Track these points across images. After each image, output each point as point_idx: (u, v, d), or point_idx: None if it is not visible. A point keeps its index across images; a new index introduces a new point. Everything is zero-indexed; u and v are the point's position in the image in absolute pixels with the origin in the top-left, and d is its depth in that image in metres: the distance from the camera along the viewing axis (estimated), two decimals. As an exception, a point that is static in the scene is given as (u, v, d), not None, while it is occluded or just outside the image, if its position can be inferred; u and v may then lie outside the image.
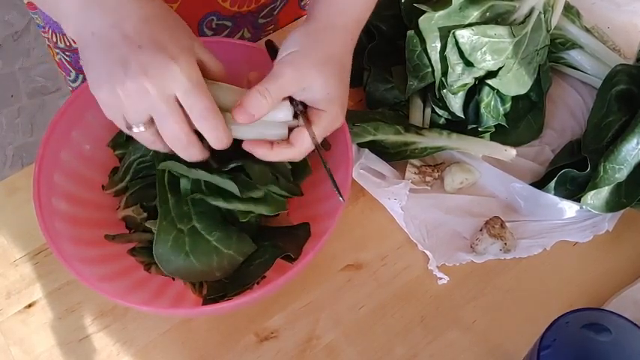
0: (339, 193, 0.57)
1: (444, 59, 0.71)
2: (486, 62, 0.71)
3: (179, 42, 0.47)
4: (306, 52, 0.54)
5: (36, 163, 0.59)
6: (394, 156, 0.73)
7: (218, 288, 0.60)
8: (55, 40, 0.84)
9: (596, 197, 0.68)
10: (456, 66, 0.71)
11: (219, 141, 0.51)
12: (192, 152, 0.51)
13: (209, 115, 0.49)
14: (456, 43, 0.69)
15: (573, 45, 0.81)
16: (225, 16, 0.83)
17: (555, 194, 0.70)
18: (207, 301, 0.60)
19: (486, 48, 0.70)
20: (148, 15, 0.47)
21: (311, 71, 0.54)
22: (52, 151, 0.60)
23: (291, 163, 0.64)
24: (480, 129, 0.75)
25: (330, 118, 0.56)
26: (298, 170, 0.65)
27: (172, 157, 0.54)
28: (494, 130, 0.76)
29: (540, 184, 0.72)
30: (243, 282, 0.60)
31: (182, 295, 0.62)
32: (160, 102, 0.47)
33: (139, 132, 0.49)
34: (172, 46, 0.46)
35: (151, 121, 0.49)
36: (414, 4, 0.72)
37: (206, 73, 0.51)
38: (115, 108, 0.48)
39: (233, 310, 0.65)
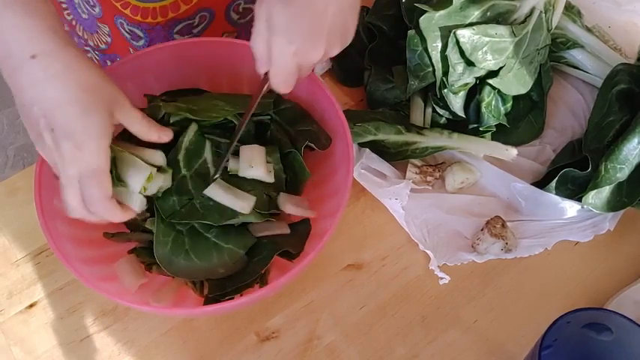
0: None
1: (444, 59, 0.71)
2: (487, 62, 0.71)
3: (89, 128, 0.51)
4: None
5: (37, 163, 0.59)
6: (395, 156, 0.73)
7: (218, 287, 0.60)
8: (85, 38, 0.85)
9: (597, 197, 0.68)
10: (457, 65, 0.71)
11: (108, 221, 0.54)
12: (87, 218, 0.54)
13: (97, 203, 0.52)
14: (457, 42, 0.69)
15: (574, 44, 0.81)
16: (252, 0, 0.83)
17: (556, 194, 0.70)
18: (209, 300, 0.60)
19: (487, 47, 0.70)
20: (61, 98, 0.50)
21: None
22: None
23: (290, 168, 0.64)
24: (480, 129, 0.75)
25: (273, 50, 0.55)
26: (297, 175, 0.65)
27: None
28: (495, 129, 0.76)
29: (541, 183, 0.72)
30: (242, 279, 0.60)
31: (183, 295, 0.62)
32: (63, 175, 0.52)
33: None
34: (80, 133, 0.50)
35: None
36: (415, 4, 0.72)
37: (130, 133, 0.56)
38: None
39: (234, 309, 0.65)
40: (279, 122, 0.66)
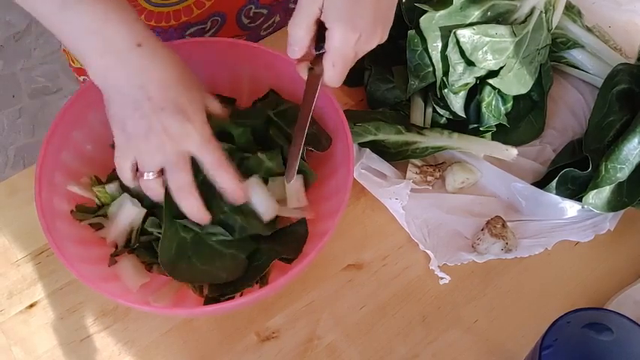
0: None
1: (445, 59, 0.71)
2: (487, 62, 0.71)
3: (194, 103, 0.54)
4: None
5: (37, 163, 0.59)
6: (395, 156, 0.73)
7: (218, 287, 0.60)
8: None
9: (598, 197, 0.68)
10: (457, 65, 0.71)
11: (232, 191, 0.57)
12: (191, 204, 0.56)
13: (221, 166, 0.55)
14: (457, 42, 0.69)
15: (574, 44, 0.81)
16: (263, 5, 0.84)
17: (557, 194, 0.70)
18: (209, 300, 0.60)
19: (487, 47, 0.70)
20: (169, 79, 0.53)
21: None
22: (53, 151, 0.60)
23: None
24: (481, 128, 0.75)
25: (336, 38, 0.53)
26: (304, 178, 0.65)
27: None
28: (495, 129, 0.76)
29: (541, 183, 0.72)
30: (241, 282, 0.60)
31: (183, 295, 0.62)
32: (174, 155, 0.54)
33: (147, 179, 0.56)
34: (189, 107, 0.53)
35: (161, 172, 0.55)
36: (415, 4, 0.72)
37: (212, 116, 0.58)
38: (130, 155, 0.55)
39: (234, 309, 0.65)
40: (279, 125, 0.66)
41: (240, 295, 0.60)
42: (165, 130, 0.52)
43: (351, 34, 0.53)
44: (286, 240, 0.63)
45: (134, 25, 0.52)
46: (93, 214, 0.63)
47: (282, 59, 0.65)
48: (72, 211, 0.62)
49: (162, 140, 0.53)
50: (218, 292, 0.60)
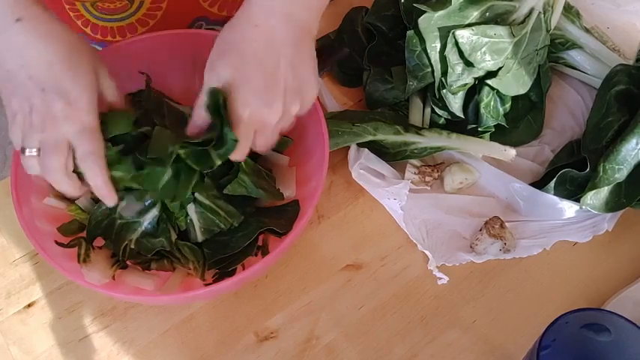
0: None
1: (443, 59, 0.71)
2: (486, 62, 0.71)
3: (78, 85, 0.52)
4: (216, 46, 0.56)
5: (12, 169, 0.59)
6: (394, 156, 0.73)
7: (218, 249, 0.61)
8: None
9: (596, 197, 0.68)
10: (456, 66, 0.71)
11: (97, 189, 0.54)
12: (64, 188, 0.54)
13: (90, 159, 0.53)
14: (456, 43, 0.69)
15: (573, 45, 0.81)
16: (214, 21, 0.83)
17: (555, 194, 0.70)
18: (219, 276, 0.61)
19: (486, 48, 0.70)
20: (51, 57, 0.51)
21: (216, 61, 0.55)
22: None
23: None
24: (479, 129, 0.75)
25: (237, 104, 0.54)
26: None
27: None
28: (493, 130, 0.76)
29: (540, 184, 0.72)
30: (224, 252, 0.61)
31: (187, 285, 0.62)
32: (52, 138, 0.52)
33: (28, 156, 0.53)
34: (71, 90, 0.51)
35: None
36: (414, 4, 0.72)
37: (104, 99, 0.56)
38: (17, 131, 0.53)
39: (239, 285, 0.65)
40: None
41: (243, 268, 0.61)
42: (47, 111, 0.51)
43: (240, 110, 0.54)
44: (276, 217, 0.63)
45: None
46: (77, 232, 0.62)
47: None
48: (58, 228, 0.62)
49: (44, 120, 0.51)
50: (221, 266, 0.61)
